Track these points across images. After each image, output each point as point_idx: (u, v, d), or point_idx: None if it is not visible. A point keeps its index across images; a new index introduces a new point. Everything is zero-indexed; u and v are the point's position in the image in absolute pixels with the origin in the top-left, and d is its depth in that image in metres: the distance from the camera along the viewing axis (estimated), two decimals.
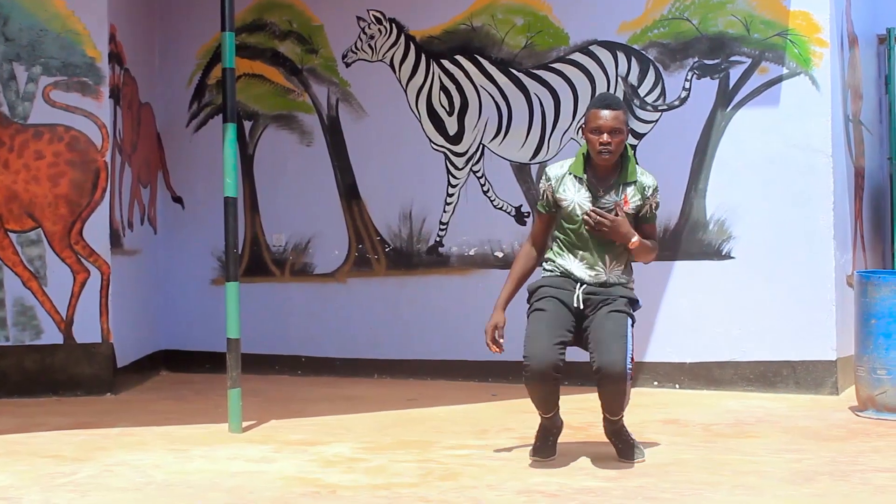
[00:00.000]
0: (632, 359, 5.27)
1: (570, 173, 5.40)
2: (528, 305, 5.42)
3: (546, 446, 5.48)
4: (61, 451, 5.83)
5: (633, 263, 5.49)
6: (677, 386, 7.73)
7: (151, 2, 8.78)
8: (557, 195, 5.39)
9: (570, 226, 5.38)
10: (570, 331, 5.32)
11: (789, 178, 7.50)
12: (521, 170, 8.09)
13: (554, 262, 5.45)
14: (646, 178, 5.40)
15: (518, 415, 5.61)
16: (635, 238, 5.27)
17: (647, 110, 7.79)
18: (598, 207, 5.31)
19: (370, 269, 8.49)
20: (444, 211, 8.28)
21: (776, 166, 7.53)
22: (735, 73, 7.62)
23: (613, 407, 5.32)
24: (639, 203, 5.37)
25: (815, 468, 5.29)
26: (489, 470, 5.29)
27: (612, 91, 7.82)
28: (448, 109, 8.28)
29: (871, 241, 8.68)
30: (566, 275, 5.39)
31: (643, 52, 7.80)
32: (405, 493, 4.87)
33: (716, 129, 7.66)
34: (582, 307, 5.33)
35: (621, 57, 7.82)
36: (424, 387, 8.02)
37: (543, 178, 5.47)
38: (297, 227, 8.65)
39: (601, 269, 5.36)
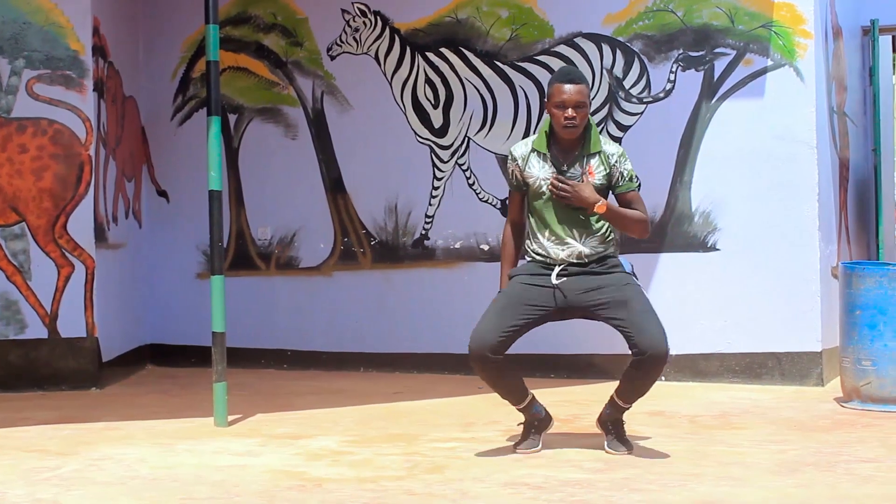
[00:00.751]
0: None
1: (534, 150, 5.38)
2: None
3: (528, 438, 5.49)
4: (46, 445, 5.81)
5: (618, 240, 5.43)
6: (663, 378, 7.73)
7: None
8: (525, 173, 5.37)
9: (537, 202, 5.35)
10: (524, 318, 5.26)
11: (774, 169, 7.51)
12: (505, 162, 8.06)
13: (528, 250, 5.43)
14: (609, 146, 5.37)
15: (504, 408, 5.61)
16: (601, 202, 5.19)
17: (632, 102, 7.79)
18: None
19: (356, 263, 8.48)
20: (430, 204, 8.28)
21: (761, 158, 7.55)
22: (720, 65, 7.63)
23: (639, 390, 5.31)
24: (605, 172, 5.32)
25: (800, 459, 5.30)
26: (475, 463, 5.29)
27: (597, 83, 7.82)
28: (433, 102, 8.27)
29: (855, 233, 8.70)
30: (541, 260, 5.36)
31: (628, 45, 7.80)
32: (391, 486, 4.87)
33: (701, 121, 7.67)
34: (561, 289, 5.28)
35: (606, 49, 7.82)
36: (410, 380, 8.02)
37: (510, 158, 5.45)
38: (282, 220, 8.64)
39: (574, 242, 5.30)
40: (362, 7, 8.38)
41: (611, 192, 5.39)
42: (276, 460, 5.40)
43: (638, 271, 7.60)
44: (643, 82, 7.79)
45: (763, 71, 7.54)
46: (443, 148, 8.25)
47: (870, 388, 6.63)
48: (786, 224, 7.49)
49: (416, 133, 8.31)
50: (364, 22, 8.38)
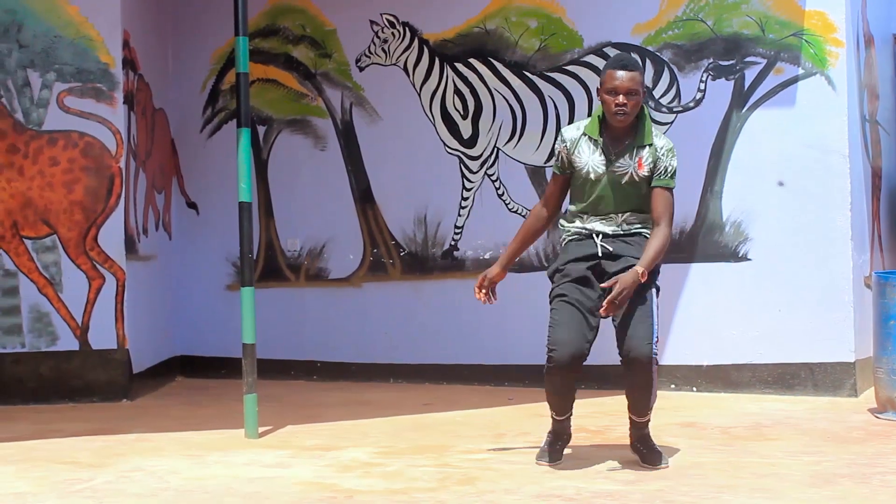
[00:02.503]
0: (657, 339, 5.23)
1: (585, 135, 5.33)
2: (551, 290, 5.36)
3: (554, 450, 5.46)
4: (78, 457, 5.82)
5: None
6: (694, 389, 7.70)
7: (165, 7, 8.79)
8: (572, 157, 5.33)
9: (584, 187, 5.31)
10: (595, 315, 5.24)
11: (806, 179, 7.46)
12: (535, 173, 8.06)
13: (566, 229, 5.39)
14: (660, 139, 5.32)
15: (534, 418, 5.59)
16: (642, 272, 5.12)
17: (661, 112, 7.76)
18: (612, 171, 5.24)
19: (385, 274, 8.47)
20: (459, 215, 8.26)
21: (792, 167, 7.50)
22: (750, 74, 7.59)
23: (640, 400, 5.27)
24: (652, 165, 5.28)
25: (834, 470, 5.25)
26: (506, 474, 5.26)
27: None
28: (462, 113, 8.26)
29: (888, 242, 8.63)
30: (581, 237, 5.32)
31: (658, 54, 7.78)
32: (422, 497, 4.85)
33: (731, 130, 7.63)
34: (602, 263, 5.25)
35: (636, 58, 7.77)
36: (440, 391, 8.00)
37: (559, 139, 5.40)
38: (311, 231, 8.65)
39: (615, 219, 5.30)
40: (391, 18, 8.39)
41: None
42: (307, 472, 5.39)
43: (668, 282, 7.61)
44: (673, 92, 7.76)
45: (794, 80, 7.49)
46: (472, 158, 8.24)
47: None
48: (818, 233, 7.44)
49: (445, 144, 8.30)
50: (393, 33, 8.38)
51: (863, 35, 7.98)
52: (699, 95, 7.71)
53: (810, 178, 7.45)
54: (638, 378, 5.22)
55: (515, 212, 8.11)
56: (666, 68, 7.76)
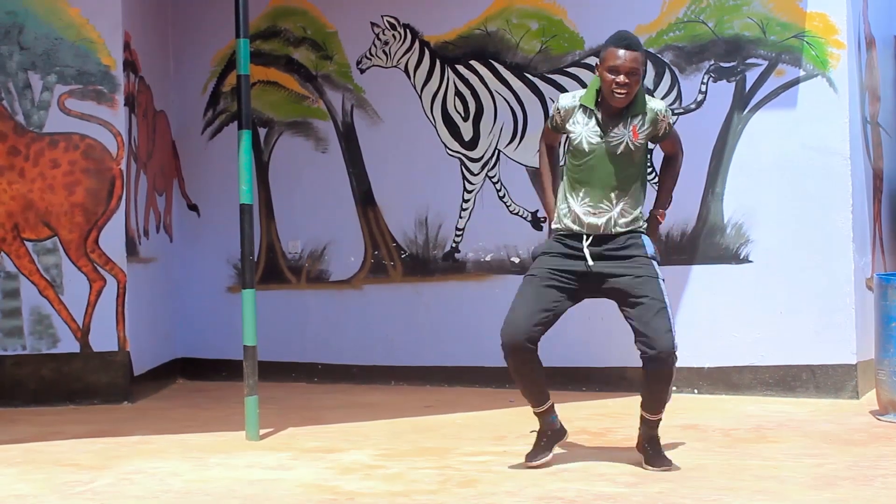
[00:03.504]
0: (674, 328, 5.24)
1: (580, 105, 5.27)
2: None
3: (539, 449, 5.43)
4: (79, 459, 5.82)
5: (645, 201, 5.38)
6: (696, 391, 7.69)
7: (166, 9, 8.79)
8: (567, 125, 5.28)
9: (574, 160, 5.26)
10: (556, 302, 5.22)
11: (807, 180, 7.46)
12: (536, 175, 8.05)
13: (558, 219, 5.33)
14: (653, 103, 5.27)
15: (535, 421, 5.58)
16: (661, 212, 5.35)
17: None
18: (608, 141, 5.18)
19: (386, 276, 8.47)
20: (460, 217, 8.26)
21: (794, 169, 7.49)
22: (751, 76, 7.58)
23: (658, 396, 5.25)
24: (649, 130, 5.23)
25: (836, 473, 5.24)
26: (508, 476, 5.26)
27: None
28: (463, 115, 8.26)
29: (890, 244, 8.62)
30: (570, 231, 5.26)
31: (659, 56, 7.77)
32: (423, 500, 4.85)
33: (732, 132, 7.63)
34: (591, 264, 5.23)
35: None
36: (441, 393, 8.00)
37: (555, 106, 5.36)
38: (312, 233, 8.64)
39: (607, 207, 5.21)
40: (392, 20, 8.39)
41: (652, 142, 5.36)
42: (309, 474, 5.39)
43: (670, 283, 7.57)
44: (674, 93, 7.75)
45: (795, 81, 7.49)
46: (473, 160, 8.24)
47: None
48: (819, 235, 7.43)
49: (446, 146, 8.30)
50: (394, 35, 8.38)
51: (864, 37, 7.97)
52: (700, 97, 7.70)
53: (811, 179, 7.45)
54: (661, 372, 5.18)
55: (517, 214, 8.11)
56: (667, 70, 7.75)
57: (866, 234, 7.81)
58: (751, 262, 7.60)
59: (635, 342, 5.21)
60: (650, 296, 5.17)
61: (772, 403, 7.31)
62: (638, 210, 5.28)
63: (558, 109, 5.33)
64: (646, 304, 5.16)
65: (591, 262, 5.21)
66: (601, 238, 5.24)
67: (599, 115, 5.22)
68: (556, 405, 5.49)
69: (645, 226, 5.33)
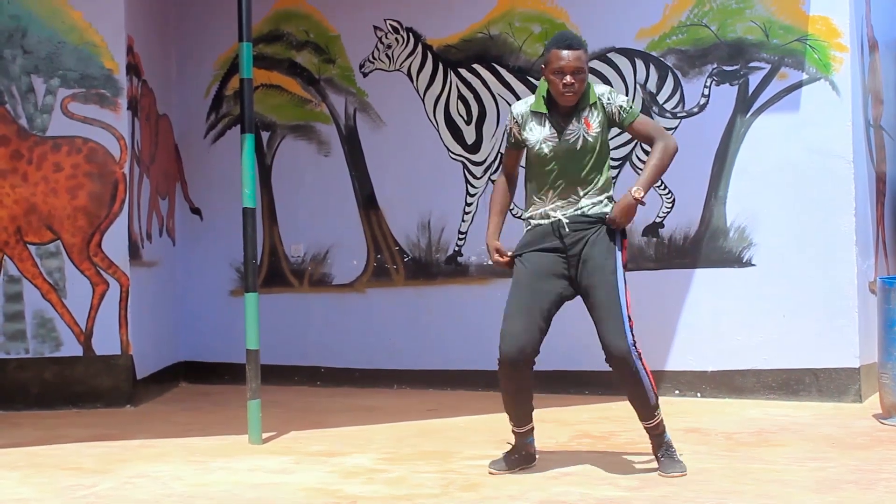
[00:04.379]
0: (631, 327, 5.17)
1: (531, 111, 5.31)
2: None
3: (508, 459, 5.41)
4: (82, 463, 5.82)
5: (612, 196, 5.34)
6: (699, 394, 7.69)
7: (168, 13, 8.80)
8: (524, 133, 5.30)
9: (537, 166, 5.28)
10: (548, 305, 5.22)
11: (810, 184, 7.46)
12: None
13: (528, 218, 5.34)
14: (597, 88, 5.27)
15: (538, 424, 5.58)
16: (639, 194, 5.13)
17: (665, 117, 7.75)
18: (563, 139, 5.20)
19: (389, 279, 8.47)
20: (463, 220, 8.26)
21: (797, 172, 7.49)
22: (754, 79, 7.58)
23: (638, 401, 5.24)
24: (600, 118, 5.23)
25: (839, 476, 5.24)
26: (510, 480, 5.26)
27: (631, 98, 7.78)
28: (466, 118, 8.26)
29: (893, 247, 8.62)
30: (542, 223, 5.27)
31: (661, 59, 7.77)
32: (426, 503, 4.84)
33: (735, 135, 7.63)
34: (566, 248, 5.22)
35: (639, 64, 7.79)
36: (444, 397, 7.99)
37: (509, 116, 5.39)
38: (315, 237, 8.64)
39: (574, 199, 5.23)
40: (394, 24, 8.39)
41: (618, 129, 5.34)
42: (311, 478, 5.39)
43: (673, 287, 7.62)
44: (677, 97, 7.75)
45: (798, 85, 7.49)
46: (476, 164, 8.24)
47: None
48: (822, 239, 7.43)
49: (448, 149, 8.30)
50: (396, 38, 8.39)
51: (867, 40, 7.97)
52: (703, 101, 7.70)
53: (814, 183, 7.44)
54: (623, 374, 5.19)
55: (519, 217, 8.08)
56: (670, 73, 7.75)
57: (869, 238, 7.81)
58: (754, 265, 7.59)
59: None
60: (604, 296, 5.15)
61: (775, 407, 7.30)
62: (605, 195, 5.29)
63: (513, 118, 5.37)
64: (602, 305, 5.16)
65: (563, 232, 5.21)
66: (572, 223, 5.23)
67: (552, 118, 5.26)
68: (558, 408, 5.49)
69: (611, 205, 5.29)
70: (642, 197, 5.16)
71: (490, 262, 8.08)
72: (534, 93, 7.97)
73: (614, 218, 5.18)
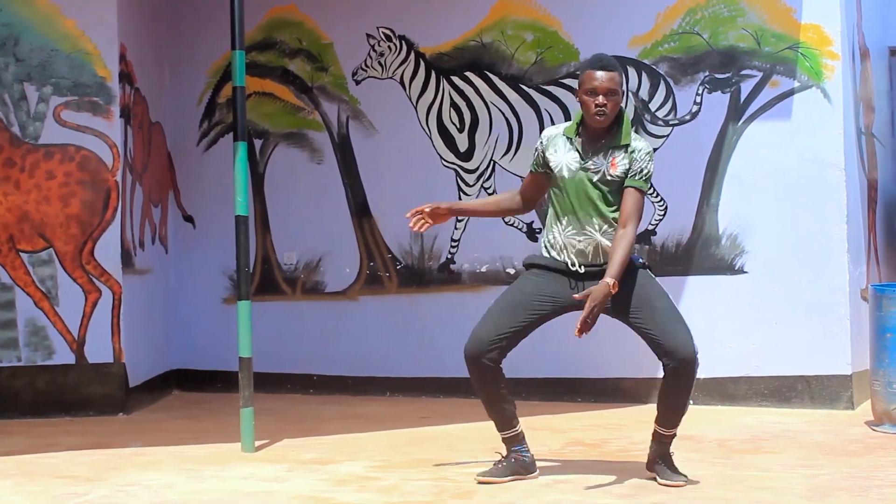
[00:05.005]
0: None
1: (563, 135, 5.30)
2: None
3: (493, 467, 5.40)
4: (74, 471, 5.81)
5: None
6: (692, 402, 7.63)
7: (161, 21, 8.80)
8: (547, 155, 5.29)
9: (557, 189, 5.27)
10: (533, 314, 5.20)
11: (802, 191, 7.47)
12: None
13: (546, 240, 5.32)
14: (639, 142, 5.25)
15: (530, 432, 5.58)
16: (612, 284, 5.01)
17: (658, 125, 7.77)
18: (584, 169, 5.19)
19: (382, 287, 8.47)
20: (456, 228, 8.27)
21: (789, 180, 7.51)
22: (746, 87, 7.60)
23: (678, 407, 5.21)
24: (626, 165, 5.19)
25: (831, 483, 5.25)
26: (503, 488, 5.25)
27: (624, 107, 7.78)
28: (458, 126, 8.27)
29: (885, 254, 8.64)
30: (556, 259, 5.26)
31: (654, 67, 7.79)
32: None
33: (727, 143, 7.64)
34: (580, 279, 5.21)
35: (632, 72, 7.80)
36: (437, 404, 7.99)
37: (539, 138, 5.40)
38: (308, 245, 8.64)
39: (592, 233, 5.19)
40: (387, 32, 8.40)
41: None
42: (304, 486, 5.38)
43: None
44: (669, 105, 7.77)
45: (790, 93, 7.51)
46: (468, 172, 8.24)
47: None
48: (814, 246, 7.44)
49: (441, 157, 8.31)
50: (389, 46, 8.40)
51: (858, 48, 7.99)
52: (695, 108, 7.72)
53: (806, 190, 7.46)
54: (683, 380, 5.15)
55: (512, 225, 8.11)
56: (662, 81, 7.77)
57: (861, 245, 7.83)
58: (746, 272, 7.61)
59: (655, 351, 5.17)
60: (662, 303, 5.16)
61: (767, 414, 7.31)
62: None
63: (541, 140, 5.37)
64: (659, 309, 5.14)
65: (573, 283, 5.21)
66: (588, 273, 5.20)
67: (580, 144, 5.25)
68: (550, 416, 5.48)
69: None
70: (615, 287, 5.03)
71: (483, 270, 8.14)
72: (526, 101, 8.06)
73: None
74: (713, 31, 7.66)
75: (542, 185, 5.42)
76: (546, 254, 5.32)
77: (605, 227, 5.21)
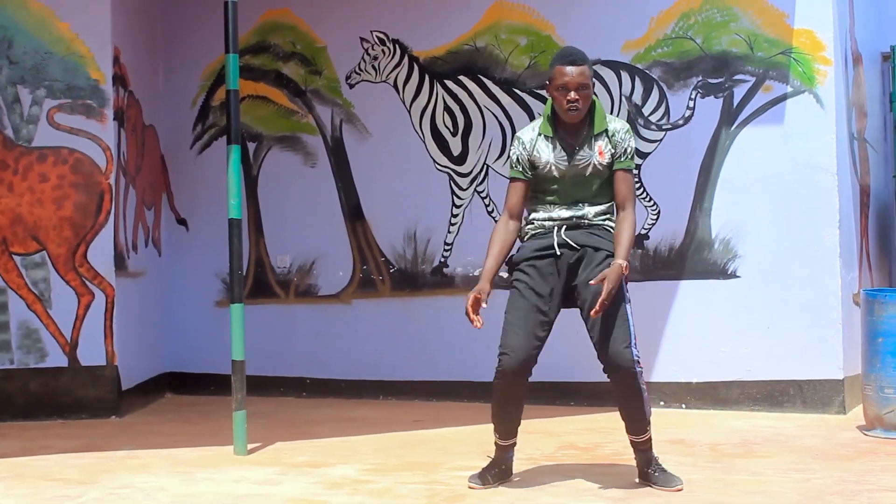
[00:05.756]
0: (635, 343, 5.15)
1: (540, 135, 5.28)
2: (509, 277, 5.36)
3: (484, 472, 5.38)
4: (66, 474, 5.81)
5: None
6: (683, 406, 7.70)
7: (155, 24, 8.80)
8: (532, 158, 5.26)
9: (545, 185, 5.26)
10: (546, 326, 5.21)
11: (795, 196, 7.49)
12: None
13: (530, 223, 5.33)
14: (615, 123, 5.26)
15: (523, 436, 5.59)
16: (624, 265, 5.06)
17: (651, 129, 7.78)
18: (575, 164, 5.19)
19: (375, 290, 8.47)
20: (449, 231, 8.27)
21: (781, 185, 7.52)
22: (739, 92, 7.62)
23: (633, 414, 5.20)
24: (612, 151, 5.22)
25: (823, 488, 5.26)
26: (496, 492, 5.26)
27: (616, 110, 7.81)
28: (452, 130, 8.28)
29: (877, 259, 8.66)
30: (542, 227, 5.27)
31: (647, 72, 7.80)
32: None
33: (720, 147, 7.66)
34: (565, 259, 5.21)
35: (625, 76, 7.82)
36: (430, 408, 8.00)
37: (516, 142, 5.33)
38: (301, 248, 8.65)
39: (578, 209, 5.23)
40: (381, 35, 8.41)
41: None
42: (296, 489, 5.38)
43: (658, 298, 7.62)
44: (662, 109, 7.78)
45: (783, 97, 7.53)
46: (462, 175, 8.25)
47: (893, 416, 6.58)
48: (807, 251, 7.46)
49: (434, 161, 8.32)
50: (383, 50, 8.40)
51: (851, 53, 8.01)
52: (688, 113, 7.73)
53: (799, 195, 7.48)
54: (624, 387, 5.15)
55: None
56: (655, 86, 7.78)
57: (853, 250, 7.84)
58: (738, 277, 7.62)
59: (598, 357, 5.19)
60: (609, 308, 5.09)
61: (759, 418, 7.33)
62: (608, 205, 5.29)
63: (522, 143, 5.31)
64: (604, 317, 5.12)
65: (556, 242, 5.20)
66: (572, 226, 5.23)
67: (562, 140, 5.24)
68: (544, 420, 5.50)
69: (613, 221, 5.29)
70: (626, 269, 5.07)
71: (476, 273, 8.13)
72: (520, 105, 8.07)
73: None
74: (706, 35, 7.67)
75: (527, 191, 5.38)
76: (531, 232, 5.31)
77: (593, 210, 5.25)
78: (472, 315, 5.18)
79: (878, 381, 6.64)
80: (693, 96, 7.71)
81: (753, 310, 7.55)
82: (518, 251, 5.39)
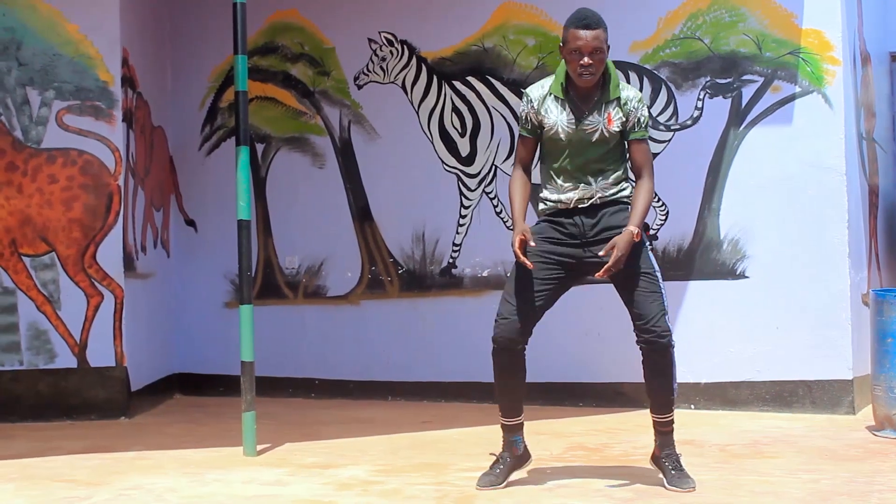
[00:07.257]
0: (668, 316, 5.17)
1: (550, 94, 5.21)
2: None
3: (491, 472, 5.34)
4: (76, 475, 5.82)
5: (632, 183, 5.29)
6: (692, 406, 7.70)
7: (164, 25, 8.81)
8: (541, 117, 5.21)
9: (552, 148, 5.21)
10: (548, 295, 5.18)
11: (803, 196, 7.48)
12: (533, 191, 8.06)
13: (541, 202, 5.31)
14: (628, 91, 5.20)
15: (532, 436, 5.59)
16: (635, 233, 5.04)
17: (659, 130, 7.77)
18: (582, 129, 5.13)
19: (383, 291, 8.48)
20: (457, 232, 8.27)
21: (790, 185, 7.51)
22: (747, 92, 7.61)
23: (661, 389, 5.16)
24: (622, 119, 5.16)
25: (832, 489, 5.25)
26: (505, 493, 5.26)
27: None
28: (460, 131, 8.28)
29: (886, 260, 8.65)
30: (553, 209, 5.24)
31: (655, 72, 7.80)
32: None
33: (729, 148, 7.65)
34: (578, 239, 5.19)
35: (633, 77, 7.81)
36: (439, 409, 8.00)
37: (525, 99, 5.27)
38: (309, 249, 8.65)
39: (586, 185, 5.18)
40: (389, 36, 8.41)
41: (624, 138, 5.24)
42: (306, 490, 5.39)
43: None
44: (670, 110, 7.78)
45: (791, 98, 7.52)
46: (470, 176, 8.25)
47: None
48: (815, 251, 7.45)
49: (443, 161, 8.32)
50: (391, 51, 8.41)
51: (859, 53, 8.00)
52: (696, 113, 7.73)
53: (807, 196, 7.47)
54: (657, 357, 5.12)
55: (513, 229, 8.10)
56: (663, 86, 7.78)
57: (862, 250, 7.83)
58: (747, 277, 7.61)
59: (634, 329, 5.18)
60: (642, 278, 5.10)
61: (768, 419, 7.32)
62: (621, 183, 5.24)
63: (530, 101, 5.25)
64: (637, 288, 5.11)
65: (573, 234, 5.18)
66: (587, 210, 5.19)
67: (572, 103, 5.17)
68: (552, 420, 5.49)
69: (631, 192, 5.25)
70: (637, 236, 5.06)
71: (485, 274, 8.14)
72: None
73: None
74: (714, 36, 7.67)
75: (536, 146, 5.34)
76: (543, 211, 5.28)
77: (603, 179, 5.20)
78: (522, 257, 5.11)
79: (888, 381, 6.63)
80: (701, 97, 7.70)
81: (762, 310, 7.55)
82: (533, 226, 5.32)
